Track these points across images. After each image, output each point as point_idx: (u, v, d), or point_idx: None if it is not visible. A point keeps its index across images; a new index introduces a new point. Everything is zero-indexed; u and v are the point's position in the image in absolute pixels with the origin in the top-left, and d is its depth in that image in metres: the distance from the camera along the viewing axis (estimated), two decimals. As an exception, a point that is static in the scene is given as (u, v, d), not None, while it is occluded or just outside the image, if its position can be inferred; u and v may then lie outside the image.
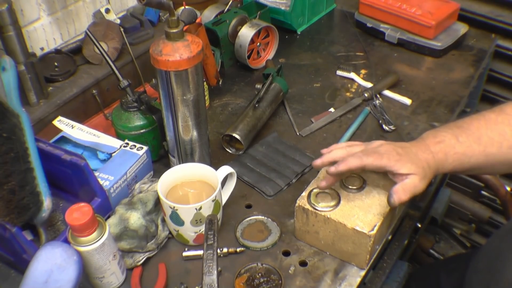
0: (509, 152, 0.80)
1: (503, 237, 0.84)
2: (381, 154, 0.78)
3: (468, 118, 0.84)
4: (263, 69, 1.23)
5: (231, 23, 1.25)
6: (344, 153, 0.81)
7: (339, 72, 1.28)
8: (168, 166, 0.97)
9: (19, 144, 0.78)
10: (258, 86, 1.12)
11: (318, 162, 0.83)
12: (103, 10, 1.21)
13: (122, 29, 1.17)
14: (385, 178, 0.84)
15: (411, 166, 0.76)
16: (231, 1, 1.32)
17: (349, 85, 1.25)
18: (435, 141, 0.81)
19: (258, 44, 1.29)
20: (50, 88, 1.09)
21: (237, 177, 0.93)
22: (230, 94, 1.23)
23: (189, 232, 0.85)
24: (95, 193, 0.84)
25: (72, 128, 0.99)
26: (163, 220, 0.87)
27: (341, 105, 1.18)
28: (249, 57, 1.28)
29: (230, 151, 1.06)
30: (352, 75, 1.26)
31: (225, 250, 0.85)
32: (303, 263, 0.84)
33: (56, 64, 1.12)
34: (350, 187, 0.83)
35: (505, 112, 0.82)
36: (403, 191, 0.77)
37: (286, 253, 0.86)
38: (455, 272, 1.05)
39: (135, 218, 0.84)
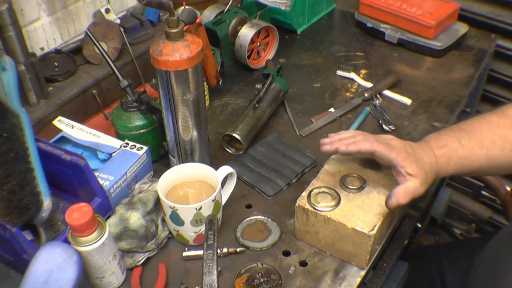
0: (510, 155, 0.80)
1: (503, 243, 0.84)
2: (391, 146, 0.78)
3: (470, 121, 0.84)
4: (263, 69, 1.23)
5: (231, 23, 1.25)
6: (355, 134, 0.81)
7: (339, 72, 1.28)
8: (168, 166, 0.97)
9: (19, 144, 0.78)
10: (258, 86, 1.12)
11: (326, 141, 0.82)
12: (103, 10, 1.21)
13: (122, 29, 1.17)
14: (385, 178, 0.84)
15: (415, 167, 0.76)
16: (231, 1, 1.32)
17: (349, 85, 1.25)
18: (439, 145, 0.81)
19: (258, 44, 1.29)
20: (50, 88, 1.09)
21: (237, 177, 0.93)
22: (230, 94, 1.23)
23: (189, 232, 0.85)
24: (95, 193, 0.84)
25: (72, 128, 0.99)
26: (163, 220, 0.87)
27: (341, 105, 1.18)
28: (249, 57, 1.28)
29: (230, 151, 1.06)
30: (352, 75, 1.26)
31: (225, 250, 0.85)
32: (303, 263, 0.84)
33: (56, 64, 1.12)
34: (350, 187, 0.83)
35: (506, 115, 0.82)
36: (403, 194, 0.77)
37: (286, 253, 0.86)
38: (459, 261, 1.06)
39: (135, 218, 0.84)
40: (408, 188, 0.77)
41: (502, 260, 0.80)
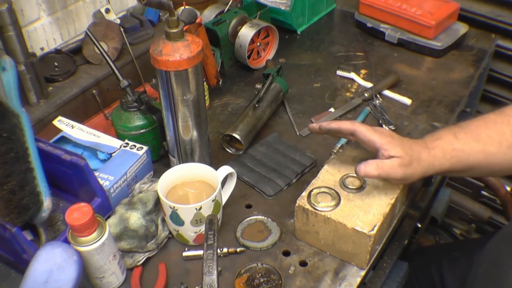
0: (508, 152, 0.80)
1: (503, 243, 0.84)
2: (375, 129, 0.79)
3: (468, 120, 0.84)
4: (263, 69, 1.23)
5: (231, 23, 1.25)
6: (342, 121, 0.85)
7: (339, 72, 1.28)
8: (168, 166, 0.97)
9: (19, 144, 0.78)
10: (258, 86, 1.12)
11: (314, 124, 0.86)
12: (103, 10, 1.21)
13: (122, 29, 1.17)
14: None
15: (399, 150, 0.77)
16: (231, 1, 1.32)
17: (349, 85, 1.25)
18: (433, 138, 0.82)
19: (258, 44, 1.29)
20: (50, 88, 1.09)
21: (237, 177, 0.93)
22: (230, 94, 1.23)
23: (189, 232, 0.85)
24: (95, 193, 0.84)
25: (72, 128, 0.99)
26: (163, 220, 0.87)
27: (341, 105, 1.18)
28: (249, 57, 1.28)
29: (230, 151, 1.06)
30: (352, 75, 1.26)
31: (225, 250, 0.85)
32: (303, 263, 0.84)
33: (56, 64, 1.12)
34: (350, 187, 0.83)
35: (505, 113, 0.82)
36: (375, 167, 0.77)
37: (286, 253, 0.86)
38: (459, 261, 1.06)
39: (135, 218, 0.84)
40: (383, 163, 0.77)
41: (502, 260, 0.80)
